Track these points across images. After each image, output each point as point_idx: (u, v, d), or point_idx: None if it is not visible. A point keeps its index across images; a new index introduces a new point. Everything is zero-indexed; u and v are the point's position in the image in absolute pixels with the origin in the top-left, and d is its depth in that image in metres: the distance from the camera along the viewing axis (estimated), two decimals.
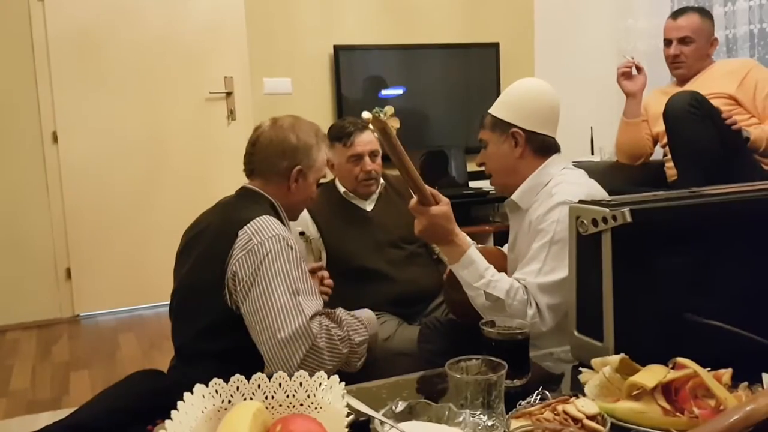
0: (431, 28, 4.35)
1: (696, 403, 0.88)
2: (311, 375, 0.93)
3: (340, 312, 1.58)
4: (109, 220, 3.77)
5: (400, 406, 0.88)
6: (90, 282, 3.76)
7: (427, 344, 1.86)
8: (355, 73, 4.18)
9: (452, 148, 4.26)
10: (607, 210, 1.05)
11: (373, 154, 2.21)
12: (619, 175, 2.99)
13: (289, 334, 1.40)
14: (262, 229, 1.49)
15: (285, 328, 1.41)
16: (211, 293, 1.49)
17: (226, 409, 0.89)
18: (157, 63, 3.81)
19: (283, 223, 1.60)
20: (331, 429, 0.82)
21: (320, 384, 0.92)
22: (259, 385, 0.92)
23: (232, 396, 0.91)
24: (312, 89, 4.13)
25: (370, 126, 1.37)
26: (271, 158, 1.63)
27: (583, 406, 0.86)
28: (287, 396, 0.92)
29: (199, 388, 0.89)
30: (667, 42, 2.85)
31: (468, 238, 1.61)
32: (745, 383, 0.92)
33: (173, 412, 0.82)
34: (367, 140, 2.17)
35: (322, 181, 2.23)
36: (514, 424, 0.85)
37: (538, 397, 0.96)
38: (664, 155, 2.88)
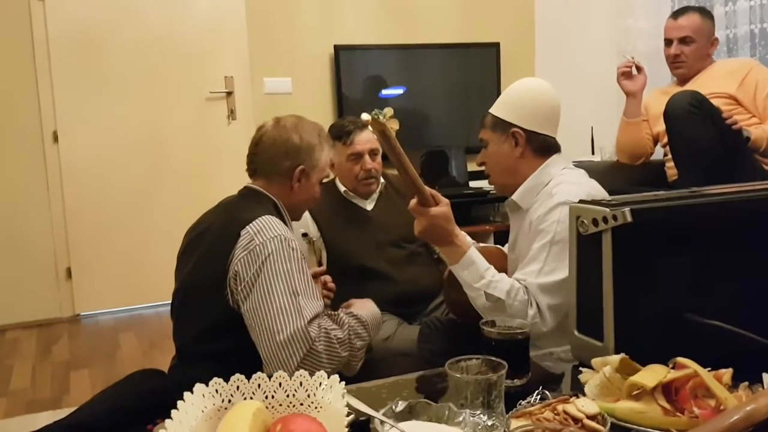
0: (432, 27, 4.35)
1: (696, 403, 0.88)
2: (311, 375, 0.93)
3: (343, 314, 1.58)
4: (109, 220, 3.77)
5: (400, 405, 0.88)
6: (90, 281, 3.76)
7: (427, 344, 1.86)
8: (355, 72, 4.18)
9: (452, 148, 4.26)
10: (608, 210, 1.05)
11: (373, 153, 2.21)
12: (619, 175, 2.98)
13: (287, 337, 1.40)
14: (265, 229, 1.48)
15: (283, 330, 1.40)
16: (213, 293, 1.49)
17: (226, 408, 0.89)
18: (157, 63, 3.81)
19: (285, 223, 1.60)
20: (331, 428, 0.82)
21: (320, 383, 0.92)
22: (259, 385, 0.92)
23: (232, 395, 0.91)
24: (312, 89, 4.13)
25: (370, 128, 1.37)
26: (274, 158, 1.63)
27: (584, 405, 0.86)
28: (287, 395, 0.92)
29: (199, 387, 0.89)
30: (668, 42, 2.85)
31: (468, 238, 1.60)
32: (746, 383, 0.92)
33: (173, 412, 0.83)
34: (366, 139, 2.17)
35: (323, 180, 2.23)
36: (514, 423, 0.85)
37: (538, 396, 0.96)
38: (665, 155, 2.88)
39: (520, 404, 0.93)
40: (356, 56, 4.17)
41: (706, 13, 2.86)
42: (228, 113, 3.94)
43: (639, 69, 2.94)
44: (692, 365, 0.92)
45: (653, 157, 3.03)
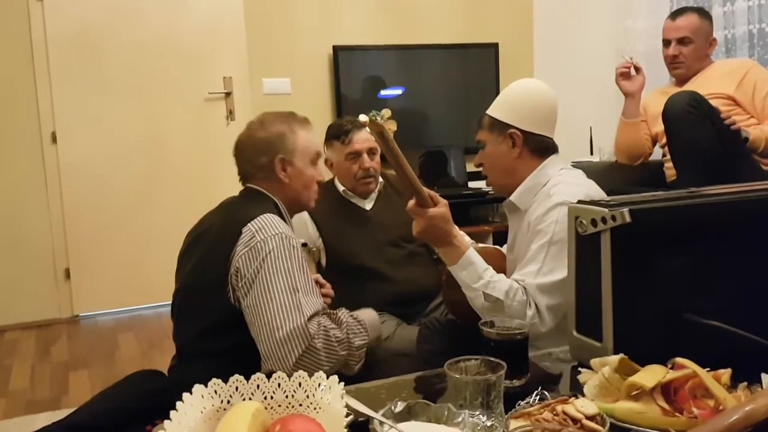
0: (430, 28, 4.35)
1: (695, 404, 0.88)
2: (310, 375, 0.93)
3: (342, 313, 1.58)
4: (108, 221, 3.76)
5: (399, 406, 0.88)
6: (89, 282, 3.76)
7: (426, 344, 1.86)
8: (354, 73, 4.18)
9: (451, 149, 4.26)
10: (606, 210, 1.05)
11: (371, 152, 2.21)
12: (618, 176, 2.99)
13: (286, 333, 1.41)
14: (266, 226, 1.49)
15: (283, 327, 1.41)
16: (215, 291, 1.49)
17: (225, 409, 0.89)
18: (156, 63, 3.80)
19: (285, 222, 1.60)
20: (330, 429, 0.82)
21: (319, 384, 0.92)
22: (258, 386, 0.92)
23: (231, 396, 0.91)
24: (311, 89, 4.13)
25: (368, 129, 1.37)
26: (251, 159, 1.65)
27: (583, 406, 0.86)
28: (286, 396, 0.92)
29: (198, 388, 0.89)
30: (666, 42, 2.85)
31: (467, 238, 1.60)
32: (744, 383, 0.92)
33: (172, 413, 0.83)
34: (364, 138, 2.18)
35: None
36: (513, 424, 0.85)
37: (537, 397, 0.96)
38: (663, 155, 2.88)
39: (519, 405, 0.93)
40: (355, 57, 4.17)
41: (704, 14, 2.86)
42: (227, 114, 3.94)
43: (637, 69, 2.94)
44: (691, 365, 0.92)
45: (652, 158, 3.03)
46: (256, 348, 1.46)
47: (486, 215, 4.27)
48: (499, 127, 1.66)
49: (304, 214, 2.20)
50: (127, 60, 3.75)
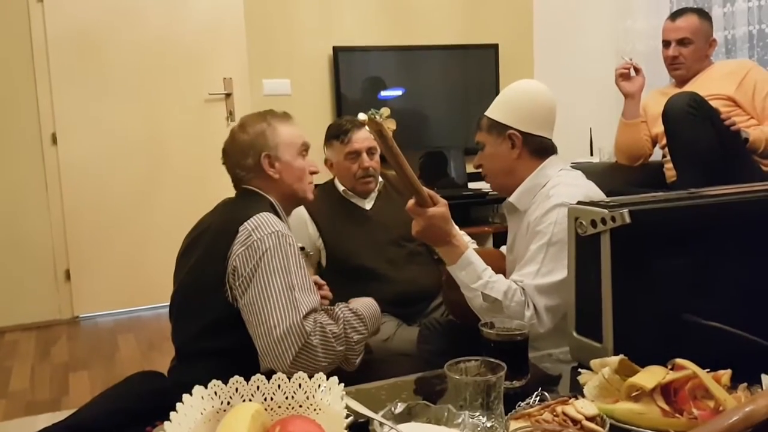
0: (430, 29, 4.35)
1: (695, 404, 0.88)
2: (306, 372, 0.93)
3: (339, 309, 1.58)
4: (108, 222, 3.76)
5: (399, 407, 0.88)
6: (89, 283, 3.76)
7: (427, 345, 1.86)
8: (354, 74, 4.18)
9: (451, 149, 4.26)
10: (606, 211, 1.05)
11: (370, 151, 2.22)
12: (618, 176, 2.99)
13: (282, 331, 1.41)
14: (262, 225, 1.50)
15: (279, 325, 1.42)
16: (213, 290, 1.50)
17: (224, 410, 0.89)
18: (156, 64, 3.80)
19: (282, 220, 1.61)
20: (330, 430, 0.82)
21: (319, 385, 0.92)
22: (258, 387, 0.92)
23: (231, 397, 0.91)
24: (311, 90, 4.13)
25: (367, 128, 1.37)
26: (238, 162, 1.66)
27: (582, 407, 0.86)
28: (286, 397, 0.92)
29: (198, 389, 0.89)
30: (666, 43, 2.85)
31: (467, 238, 1.60)
32: (744, 384, 0.92)
33: (172, 414, 0.82)
34: (364, 137, 2.18)
35: (319, 181, 2.23)
36: (514, 425, 0.85)
37: (537, 398, 0.96)
38: (663, 156, 2.88)
39: (519, 406, 0.93)
40: (355, 57, 4.17)
41: (704, 15, 2.86)
42: (227, 115, 3.94)
43: (637, 70, 2.94)
44: (691, 366, 0.92)
45: (652, 159, 3.03)
46: (255, 347, 1.46)
47: (486, 216, 4.27)
48: (498, 128, 1.66)
49: (304, 214, 2.21)
50: (127, 61, 3.75)
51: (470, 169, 4.09)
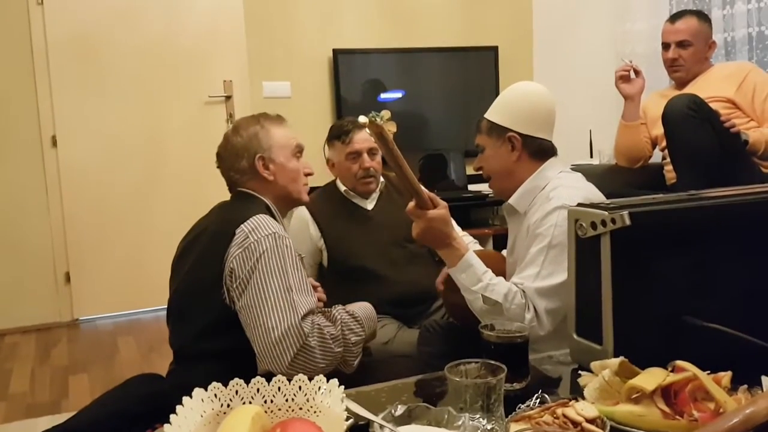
0: (430, 31, 4.35)
1: (695, 406, 0.88)
2: (304, 374, 0.93)
3: (337, 311, 1.58)
4: (108, 224, 3.76)
5: (400, 409, 0.88)
6: (89, 286, 3.76)
7: (427, 347, 1.86)
8: (354, 76, 4.18)
9: (451, 152, 4.26)
10: (606, 213, 1.05)
11: (371, 152, 2.22)
12: (618, 178, 2.99)
13: (280, 333, 1.41)
14: (259, 227, 1.50)
15: (277, 327, 1.42)
16: (210, 292, 1.50)
17: (224, 413, 0.89)
18: (156, 67, 3.81)
19: (278, 222, 1.61)
20: None
21: (320, 388, 0.92)
22: (258, 389, 0.92)
23: (231, 400, 0.91)
24: (311, 93, 4.13)
25: (367, 130, 1.38)
26: (233, 165, 1.67)
27: (583, 409, 0.86)
28: (286, 400, 0.92)
29: (198, 392, 0.89)
30: (665, 45, 2.86)
31: (469, 238, 1.60)
32: (745, 386, 0.92)
33: (172, 417, 0.82)
34: (365, 137, 2.19)
35: (321, 182, 2.23)
36: (514, 427, 0.85)
37: (538, 400, 0.96)
38: (663, 158, 2.89)
39: (519, 408, 0.93)
40: (355, 60, 4.18)
41: (703, 17, 2.86)
42: (227, 117, 3.94)
43: (637, 72, 2.94)
44: (691, 368, 0.91)
45: (652, 160, 3.03)
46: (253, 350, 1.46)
47: (486, 218, 4.27)
48: (498, 130, 1.66)
49: (306, 215, 2.21)
50: (127, 64, 3.75)
51: (470, 171, 4.09)
